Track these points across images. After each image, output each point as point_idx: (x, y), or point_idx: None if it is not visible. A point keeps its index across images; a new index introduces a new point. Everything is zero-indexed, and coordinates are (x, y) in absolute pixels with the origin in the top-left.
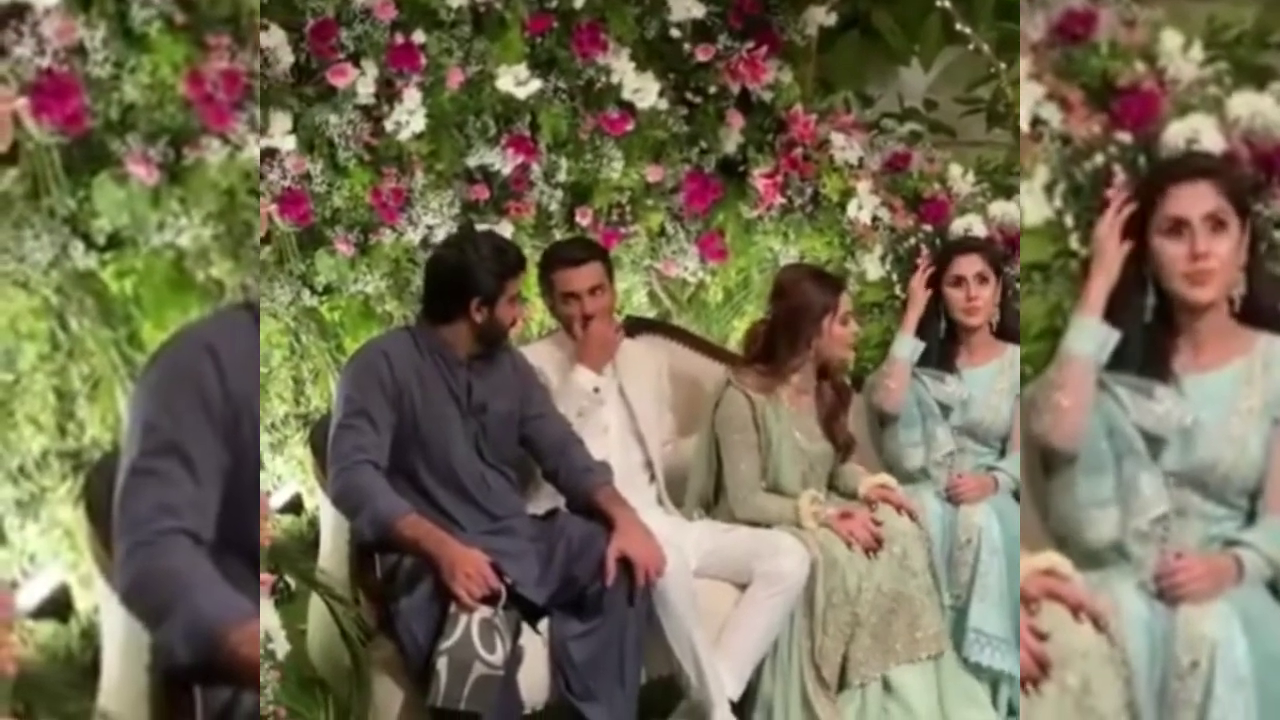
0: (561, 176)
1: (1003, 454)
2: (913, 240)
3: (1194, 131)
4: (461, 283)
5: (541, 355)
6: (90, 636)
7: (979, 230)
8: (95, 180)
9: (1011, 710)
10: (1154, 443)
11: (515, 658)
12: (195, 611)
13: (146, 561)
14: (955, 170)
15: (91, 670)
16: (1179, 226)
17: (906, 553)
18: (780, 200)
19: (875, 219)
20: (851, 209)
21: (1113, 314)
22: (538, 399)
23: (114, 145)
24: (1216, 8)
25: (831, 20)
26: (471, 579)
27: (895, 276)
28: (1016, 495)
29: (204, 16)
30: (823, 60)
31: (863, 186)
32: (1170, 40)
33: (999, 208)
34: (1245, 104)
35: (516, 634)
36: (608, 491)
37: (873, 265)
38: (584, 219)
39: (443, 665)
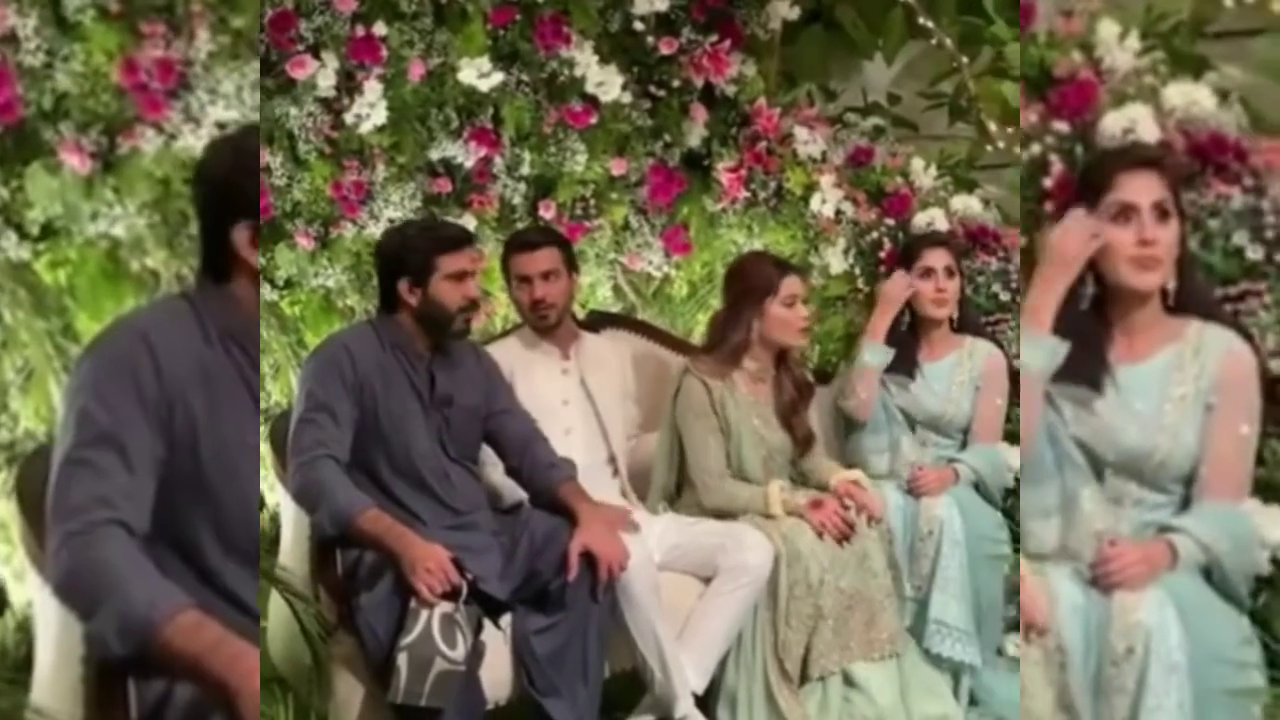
0: (525, 169)
1: (963, 446)
2: (875, 234)
3: (1131, 121)
4: (391, 266)
5: (508, 351)
6: (25, 630)
7: (941, 224)
8: (28, 170)
9: (973, 700)
10: (1092, 455)
11: (477, 653)
12: (127, 603)
13: (79, 552)
14: (918, 164)
15: (25, 664)
16: (1127, 212)
17: (868, 553)
18: (744, 194)
19: (839, 213)
20: (815, 203)
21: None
22: (502, 394)
23: (47, 134)
24: (944, 145)
25: (794, 14)
26: (432, 574)
27: (858, 270)
28: (977, 487)
29: (138, 4)
30: (786, 54)
31: (826, 180)
32: (1107, 30)
33: (961, 201)
34: (1181, 94)
35: (478, 629)
36: (571, 486)
37: (836, 259)
38: (547, 212)
39: (403, 661)
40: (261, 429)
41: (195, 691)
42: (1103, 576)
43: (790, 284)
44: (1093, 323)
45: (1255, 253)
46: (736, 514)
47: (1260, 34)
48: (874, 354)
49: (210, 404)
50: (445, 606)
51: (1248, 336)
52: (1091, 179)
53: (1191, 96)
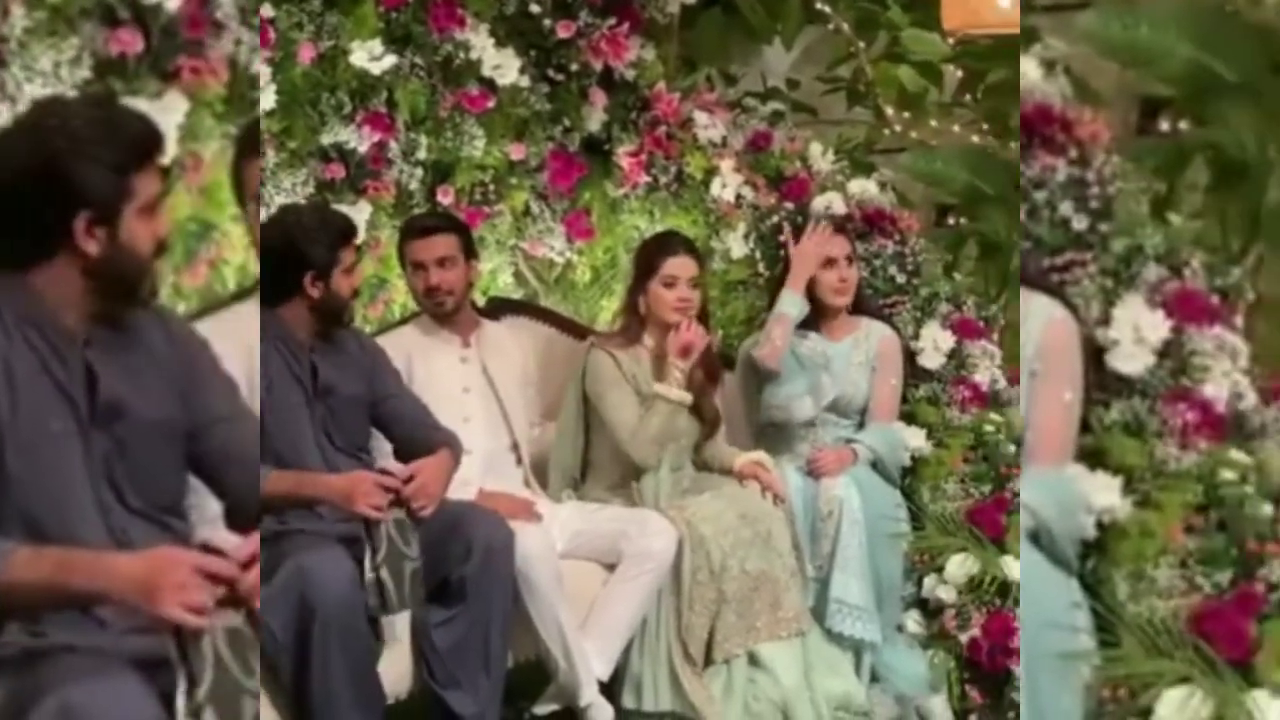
0: (421, 155)
1: (861, 426)
2: (775, 218)
3: (829, 201)
4: (293, 258)
5: (406, 338)
6: None
7: (839, 208)
8: None
9: (874, 678)
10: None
11: (375, 649)
12: None
13: None
14: (816, 149)
15: None
16: (831, 261)
17: (771, 533)
18: (645, 179)
19: (739, 197)
20: (715, 187)
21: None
22: (388, 380)
23: None
24: (842, 129)
25: None
26: (370, 494)
27: (759, 254)
28: (875, 466)
29: None
30: (685, 38)
31: (726, 165)
32: (815, 148)
33: (858, 185)
34: (858, 186)
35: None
36: (448, 452)
37: (737, 243)
38: (445, 198)
39: (385, 575)
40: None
41: None
42: (814, 469)
43: (670, 265)
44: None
45: (1080, 223)
46: (663, 442)
47: (1085, 7)
48: (792, 304)
49: (10, 395)
50: (396, 513)
51: (895, 327)
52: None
53: (864, 187)
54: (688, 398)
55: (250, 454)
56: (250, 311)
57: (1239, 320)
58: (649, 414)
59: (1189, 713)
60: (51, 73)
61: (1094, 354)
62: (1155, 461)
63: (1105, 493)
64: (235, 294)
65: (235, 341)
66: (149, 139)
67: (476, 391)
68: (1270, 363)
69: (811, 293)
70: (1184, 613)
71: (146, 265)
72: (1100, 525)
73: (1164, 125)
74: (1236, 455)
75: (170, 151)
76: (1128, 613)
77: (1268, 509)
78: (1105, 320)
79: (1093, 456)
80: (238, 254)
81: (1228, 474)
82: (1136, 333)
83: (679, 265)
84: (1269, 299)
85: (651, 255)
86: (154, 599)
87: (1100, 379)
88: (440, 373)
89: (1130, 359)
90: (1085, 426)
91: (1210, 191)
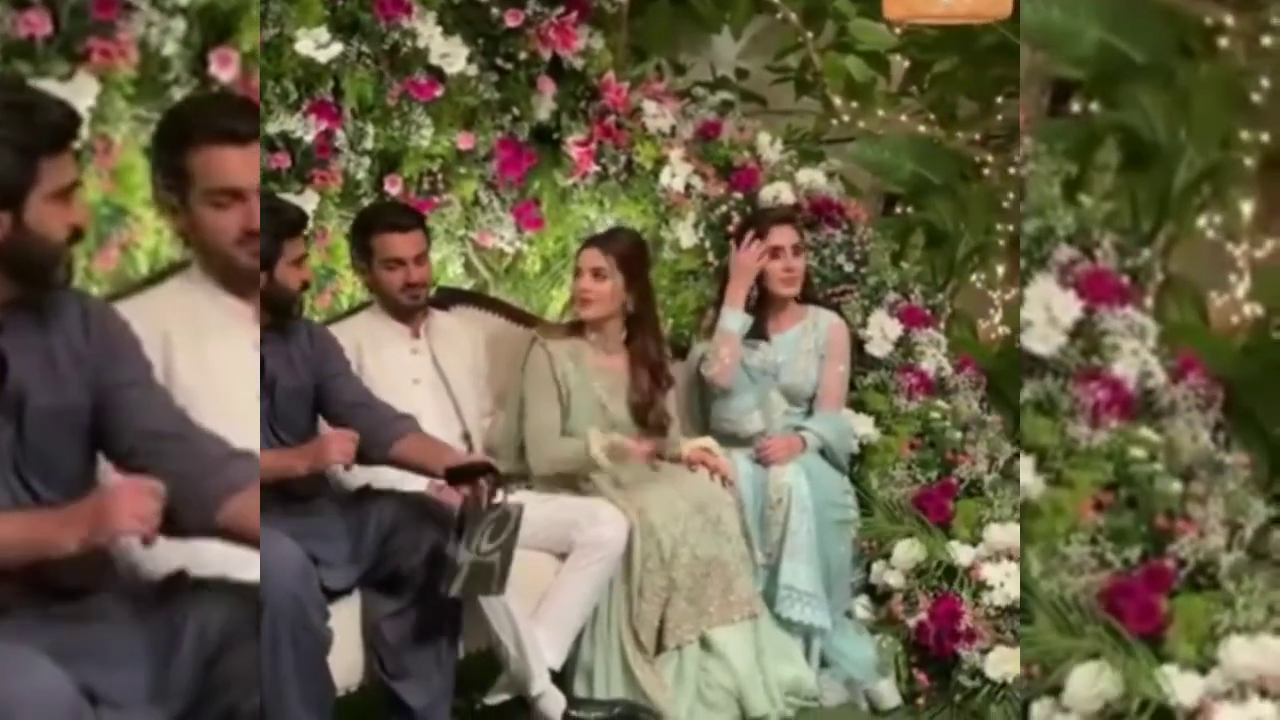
0: (369, 144)
1: (809, 414)
2: (724, 208)
3: (778, 191)
4: None
5: (356, 330)
6: None
7: (787, 197)
8: None
9: (824, 663)
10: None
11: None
12: None
13: None
14: (764, 138)
15: None
16: (776, 251)
17: (721, 518)
18: (595, 168)
19: (688, 187)
20: (665, 177)
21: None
22: (334, 360)
23: None
24: (791, 119)
25: None
26: (341, 442)
27: (708, 244)
28: (824, 453)
29: None
30: (635, 27)
31: (675, 154)
32: (764, 139)
33: (806, 175)
34: (806, 176)
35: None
36: (415, 438)
37: (686, 233)
38: (394, 187)
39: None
40: None
41: None
42: (763, 457)
43: (582, 256)
44: (759, 307)
45: (849, 267)
46: (566, 473)
47: (850, 140)
48: (733, 320)
49: None
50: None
51: (843, 315)
52: (755, 229)
53: (812, 177)
54: (601, 455)
55: (352, 393)
56: (164, 295)
57: (1149, 301)
58: (567, 444)
59: (1099, 688)
60: None
61: (857, 344)
62: (1067, 440)
63: (1021, 474)
64: (149, 277)
65: (150, 326)
66: (60, 125)
67: (427, 383)
68: (1178, 342)
69: (760, 282)
70: (1095, 589)
71: (57, 251)
72: (861, 444)
73: (1074, 107)
74: (1146, 433)
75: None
76: (1040, 590)
77: (1176, 486)
78: (1019, 301)
79: (857, 405)
80: (149, 238)
81: (1137, 452)
82: (1049, 313)
83: (584, 257)
84: (1177, 279)
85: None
86: (326, 457)
87: (863, 358)
88: (390, 364)
89: (1043, 340)
90: (852, 386)
91: (1121, 173)
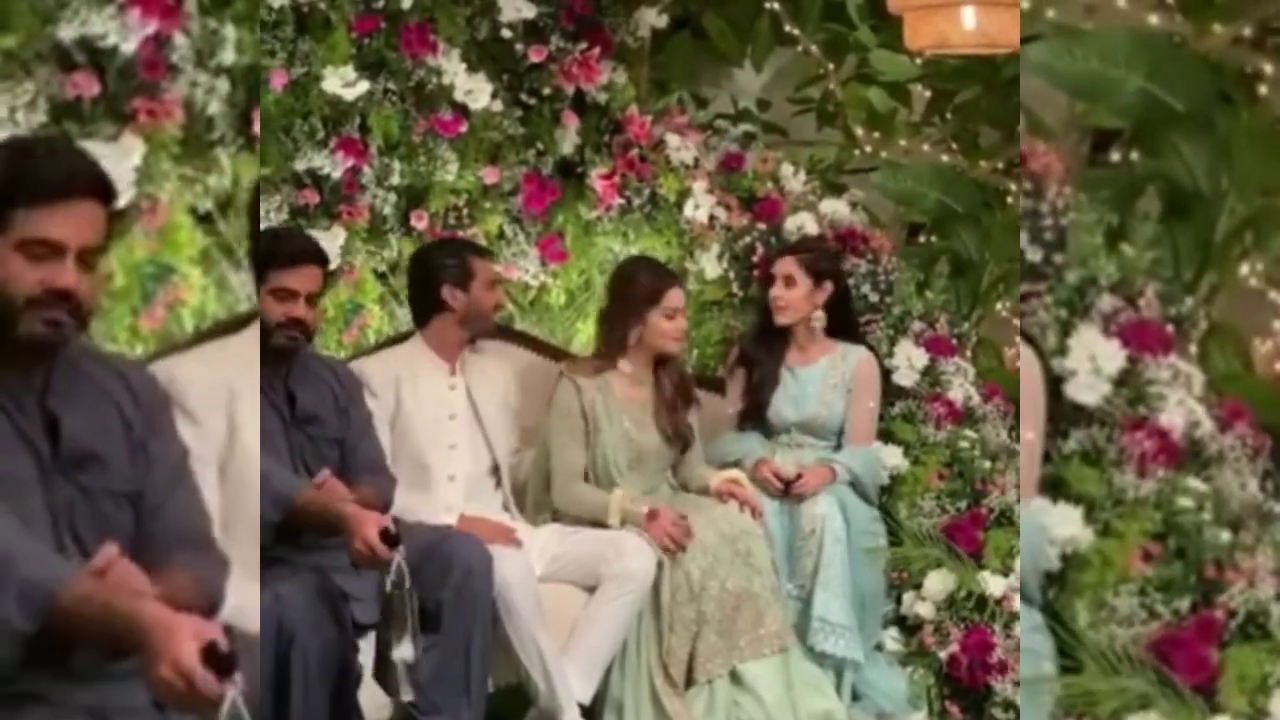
0: (395, 179)
1: (837, 447)
2: (748, 239)
3: (801, 222)
4: (260, 281)
5: (394, 363)
6: None
7: (811, 228)
8: None
9: (856, 696)
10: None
11: (356, 674)
12: (25, 575)
13: None
14: (787, 169)
15: None
16: (773, 281)
17: (751, 551)
18: (619, 201)
19: (712, 218)
20: (688, 209)
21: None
22: (361, 417)
23: None
24: (813, 150)
25: (663, 22)
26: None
27: (732, 275)
28: (854, 486)
29: None
30: (656, 61)
31: (699, 186)
32: (787, 169)
33: (829, 205)
34: (829, 206)
35: (355, 650)
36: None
37: (710, 264)
38: (420, 222)
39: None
40: None
41: None
42: (796, 489)
43: (673, 296)
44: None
45: (874, 297)
46: (585, 518)
47: (873, 170)
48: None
49: None
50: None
51: (872, 348)
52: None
53: (835, 208)
54: (616, 522)
55: (368, 458)
56: (394, 354)
57: (1193, 349)
58: (589, 495)
59: None
60: (8, 117)
61: (1052, 384)
62: (1114, 490)
63: (1067, 525)
64: (375, 345)
65: (217, 380)
66: (49, 181)
67: (462, 418)
68: (1224, 390)
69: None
70: (1144, 640)
71: (13, 304)
72: (893, 477)
73: (1115, 156)
74: (1193, 483)
75: (126, 195)
76: (1089, 640)
77: (1225, 535)
78: (1062, 350)
79: (1054, 487)
80: (195, 296)
81: (1185, 501)
82: (1093, 363)
83: (679, 296)
84: (1220, 327)
85: (655, 284)
86: (162, 659)
87: (1057, 409)
88: (426, 399)
89: (1088, 389)
90: (1046, 457)
91: (1162, 221)
